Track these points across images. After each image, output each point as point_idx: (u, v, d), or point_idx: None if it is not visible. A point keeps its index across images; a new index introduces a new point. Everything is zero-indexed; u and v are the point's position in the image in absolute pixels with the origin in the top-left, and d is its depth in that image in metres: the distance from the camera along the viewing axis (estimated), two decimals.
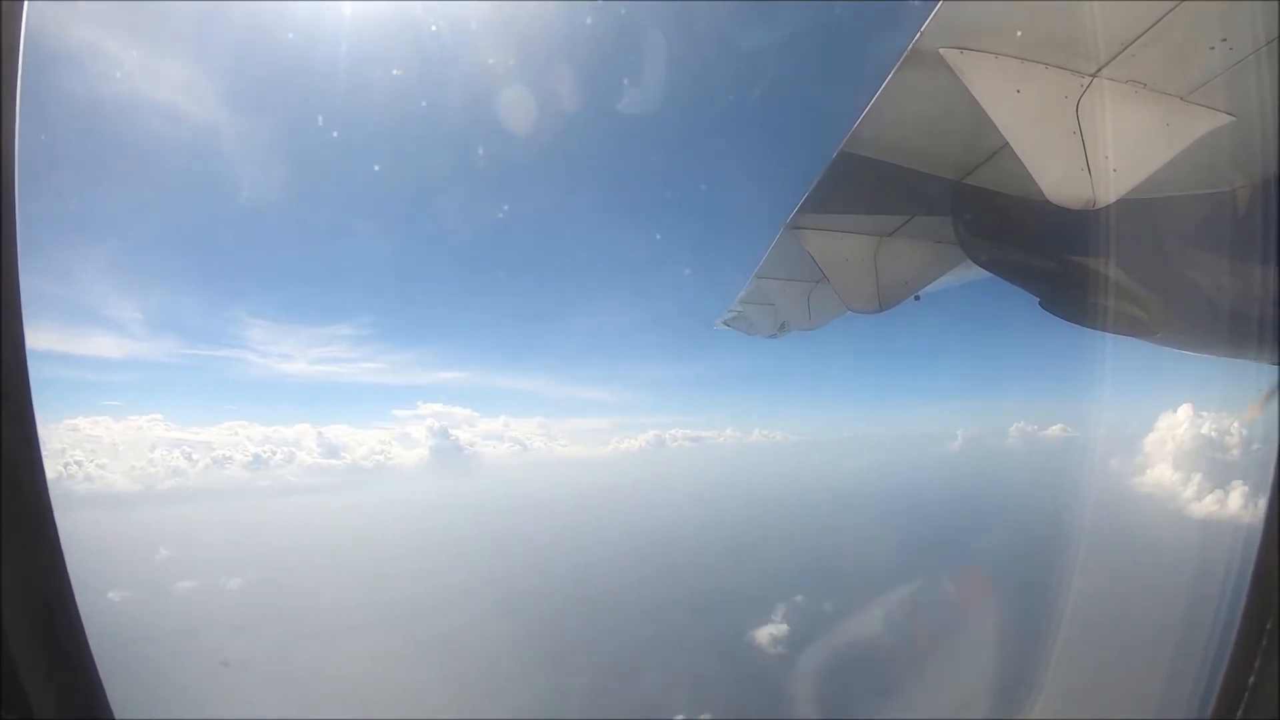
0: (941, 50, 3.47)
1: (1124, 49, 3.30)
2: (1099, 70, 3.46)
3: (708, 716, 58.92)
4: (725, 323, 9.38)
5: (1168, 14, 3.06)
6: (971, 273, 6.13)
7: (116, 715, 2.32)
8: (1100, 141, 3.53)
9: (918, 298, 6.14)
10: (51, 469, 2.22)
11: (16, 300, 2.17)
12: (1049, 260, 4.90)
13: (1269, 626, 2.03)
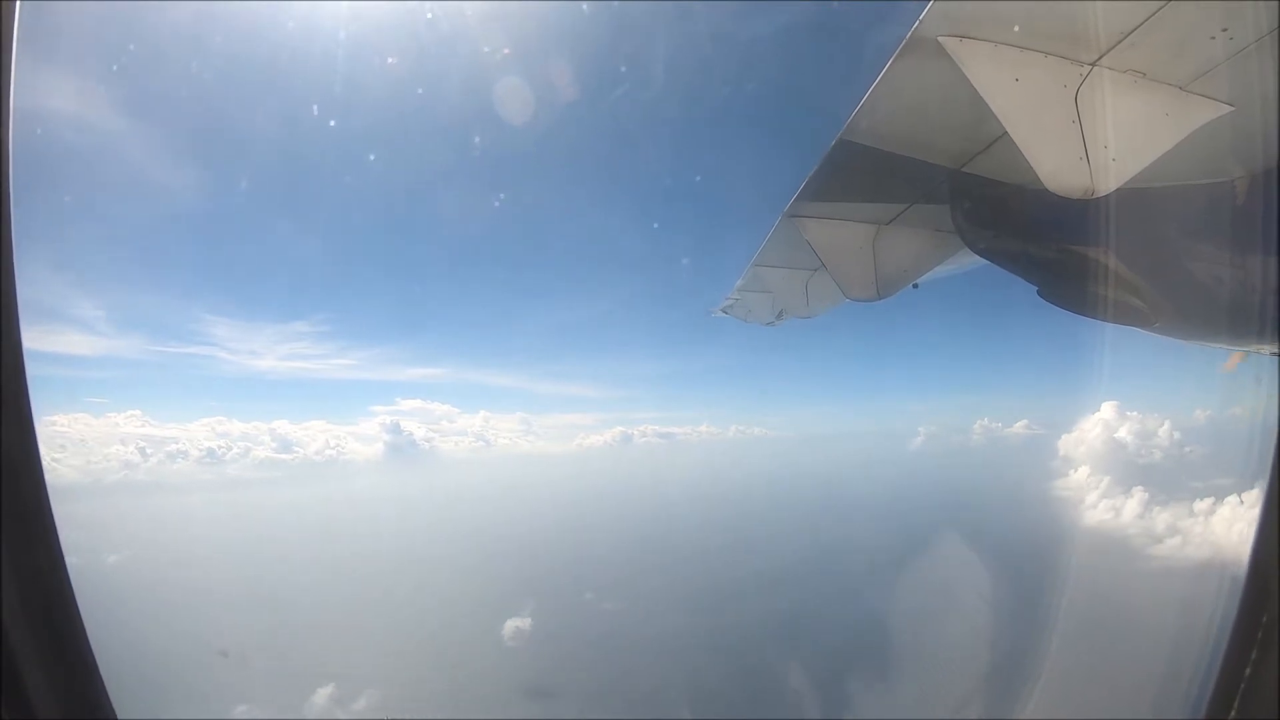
0: (940, 38, 3.45)
1: (1124, 38, 3.28)
2: (1098, 59, 3.44)
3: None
4: (723, 310, 9.37)
5: (1168, 3, 3.03)
6: (970, 261, 6.12)
7: (119, 715, 2.34)
8: (1099, 131, 3.52)
9: (916, 286, 6.14)
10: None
11: (13, 299, 2.17)
12: (1047, 249, 4.90)
13: (1264, 623, 2.05)
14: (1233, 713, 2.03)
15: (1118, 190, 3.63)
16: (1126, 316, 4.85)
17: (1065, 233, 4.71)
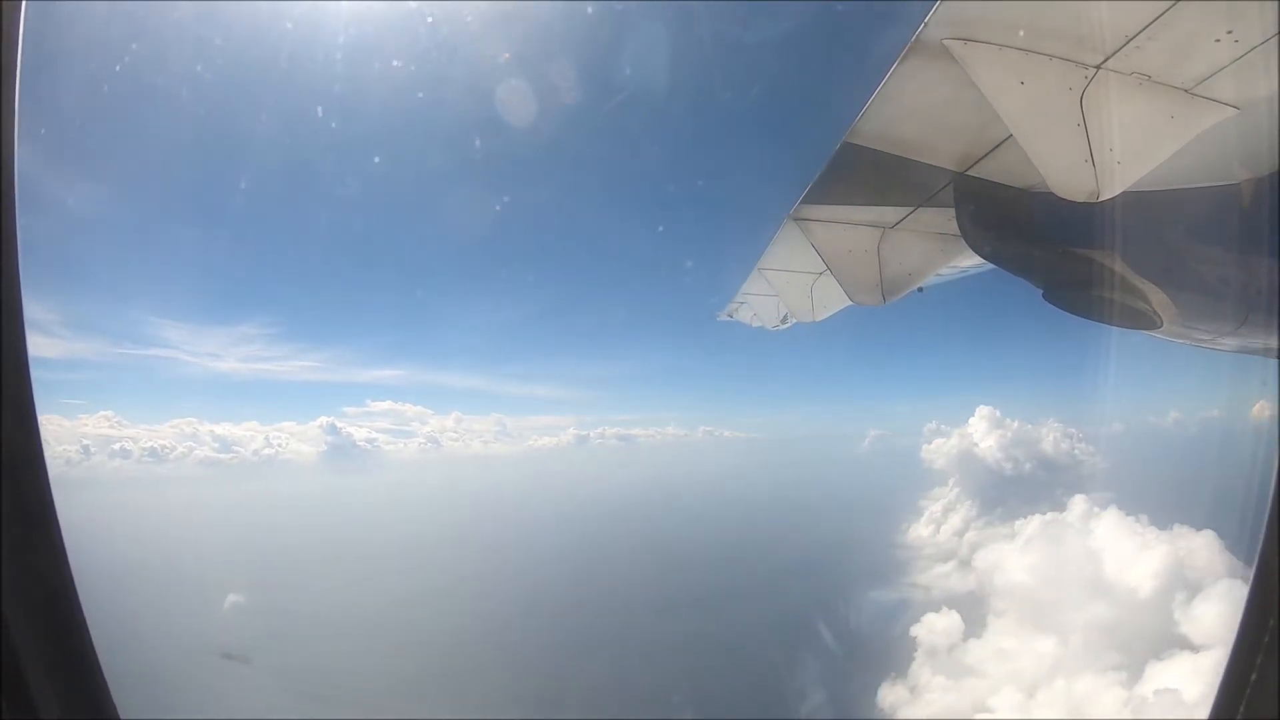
0: (946, 41, 3.46)
1: (1128, 41, 3.27)
2: (1103, 62, 3.43)
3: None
4: (728, 314, 9.37)
5: (1173, 6, 3.03)
6: (975, 264, 6.11)
7: (122, 715, 2.33)
8: (1104, 134, 3.52)
9: (921, 289, 6.14)
10: None
11: (17, 299, 2.18)
12: (1053, 252, 4.88)
13: (1270, 625, 2.03)
14: (1240, 713, 2.02)
15: (1123, 193, 3.64)
16: (1132, 320, 4.84)
17: (1071, 236, 4.70)
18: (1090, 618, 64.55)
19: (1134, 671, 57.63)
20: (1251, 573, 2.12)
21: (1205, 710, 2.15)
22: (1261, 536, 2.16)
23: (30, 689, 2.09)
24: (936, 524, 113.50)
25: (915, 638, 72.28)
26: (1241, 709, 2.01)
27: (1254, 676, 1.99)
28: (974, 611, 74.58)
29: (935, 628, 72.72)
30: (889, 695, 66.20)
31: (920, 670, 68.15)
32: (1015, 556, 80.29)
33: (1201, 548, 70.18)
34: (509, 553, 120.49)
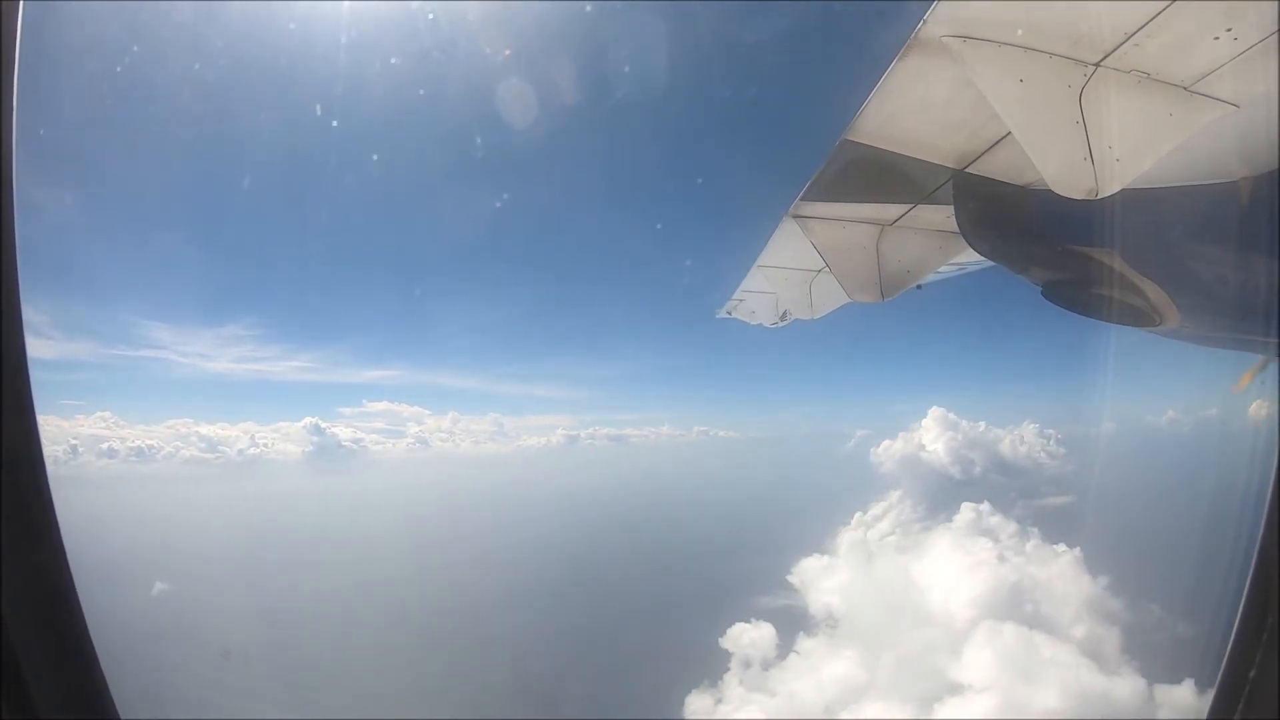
0: (944, 39, 3.46)
1: (1128, 39, 3.27)
2: (1102, 60, 3.44)
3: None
4: (727, 311, 9.38)
5: (1171, 4, 3.03)
6: (974, 262, 6.12)
7: (121, 714, 2.34)
8: (1103, 131, 3.52)
9: (920, 287, 6.14)
10: None
11: (16, 299, 2.18)
12: (1051, 250, 4.89)
13: (1269, 623, 2.04)
14: (1237, 713, 2.02)
15: (1122, 191, 3.64)
16: (1130, 317, 4.85)
17: (1069, 233, 4.71)
18: (899, 642, 64.14)
19: (923, 705, 57.05)
20: (1250, 571, 2.13)
21: (1204, 709, 2.15)
22: (1260, 535, 2.16)
23: (29, 688, 2.10)
24: (865, 528, 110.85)
25: (727, 649, 72.76)
26: (1240, 707, 2.02)
27: (1253, 674, 1.99)
28: (791, 626, 74.91)
29: (742, 640, 72.99)
30: (695, 702, 66.40)
31: (730, 681, 68.45)
32: (834, 573, 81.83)
33: (1057, 576, 70.02)
34: (479, 552, 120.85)
